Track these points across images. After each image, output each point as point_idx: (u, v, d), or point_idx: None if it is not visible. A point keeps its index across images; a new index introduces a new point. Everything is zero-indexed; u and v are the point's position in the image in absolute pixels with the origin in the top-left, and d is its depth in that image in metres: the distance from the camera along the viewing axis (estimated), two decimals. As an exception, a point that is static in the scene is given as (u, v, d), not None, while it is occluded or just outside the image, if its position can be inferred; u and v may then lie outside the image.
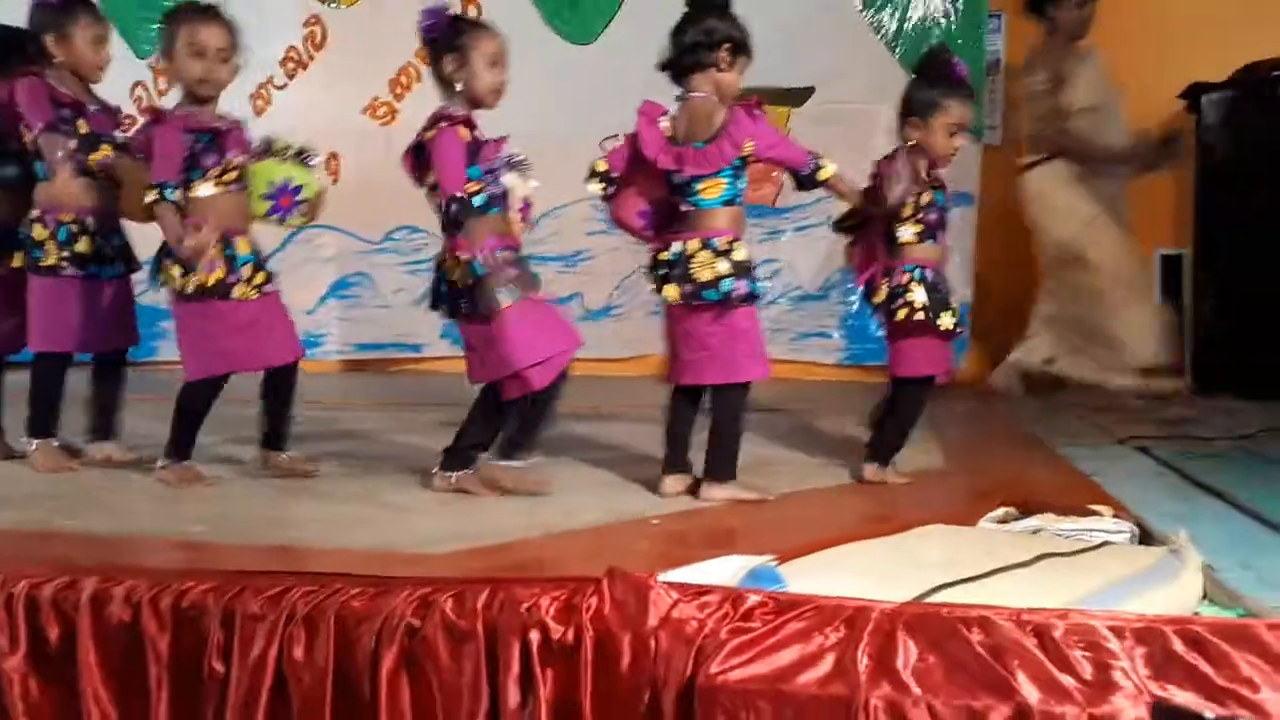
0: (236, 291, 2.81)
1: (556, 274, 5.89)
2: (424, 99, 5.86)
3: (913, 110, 2.93)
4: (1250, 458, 3.16)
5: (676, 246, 2.73)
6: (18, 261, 3.07)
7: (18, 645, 1.94)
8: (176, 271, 2.78)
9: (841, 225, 3.12)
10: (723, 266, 2.68)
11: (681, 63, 2.73)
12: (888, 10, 5.37)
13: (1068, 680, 1.49)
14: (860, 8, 5.37)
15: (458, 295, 2.71)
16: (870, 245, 3.03)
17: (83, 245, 3.05)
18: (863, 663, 1.56)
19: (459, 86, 2.73)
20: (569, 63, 5.71)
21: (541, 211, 6.00)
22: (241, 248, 2.86)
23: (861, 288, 3.06)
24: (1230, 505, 2.56)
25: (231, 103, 5.99)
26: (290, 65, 6.08)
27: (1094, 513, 2.41)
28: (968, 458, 3.26)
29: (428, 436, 3.68)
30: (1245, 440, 3.43)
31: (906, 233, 2.93)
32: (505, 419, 2.78)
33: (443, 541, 2.26)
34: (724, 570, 1.94)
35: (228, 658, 1.85)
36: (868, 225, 3.02)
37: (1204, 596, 1.93)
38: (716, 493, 2.71)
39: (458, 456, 2.79)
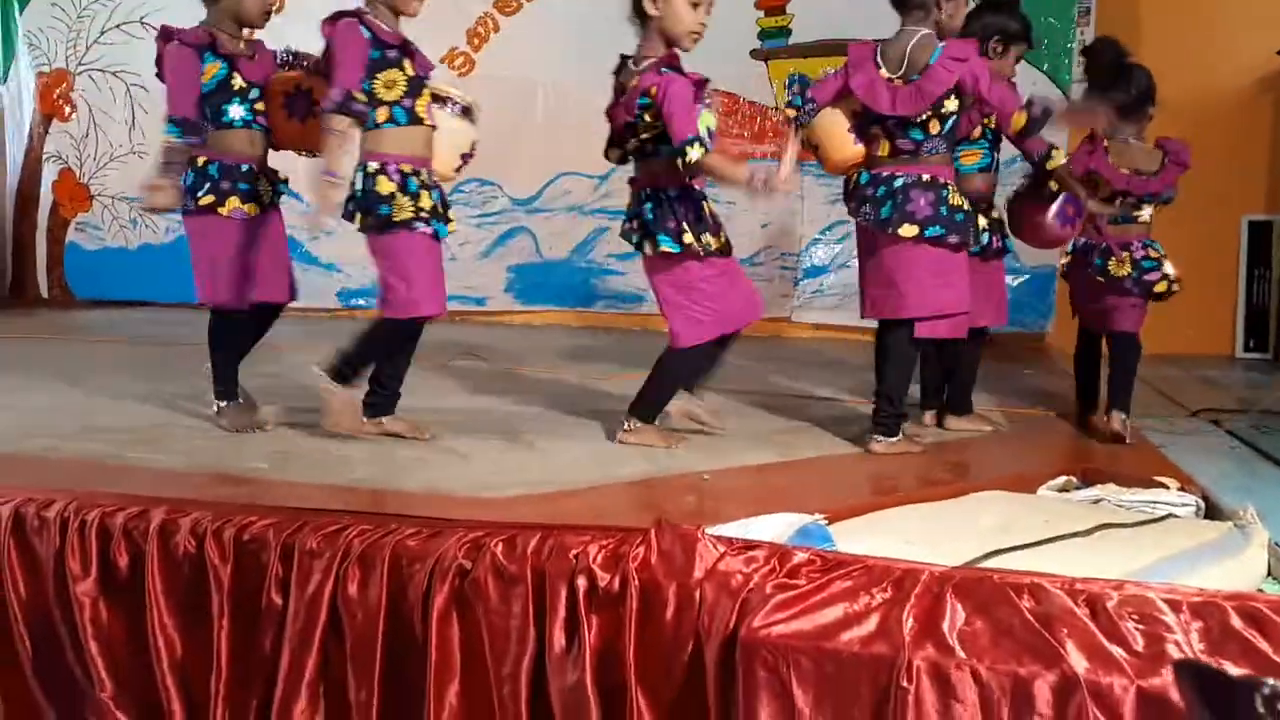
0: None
1: (614, 232, 5.89)
2: (501, 50, 5.96)
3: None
4: (1331, 435, 3.05)
5: None
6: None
7: (89, 570, 2.03)
8: (692, 234, 2.68)
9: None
10: (982, 222, 3.02)
11: None
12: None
13: (1118, 651, 1.46)
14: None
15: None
16: (1069, 218, 3.00)
17: (426, 200, 2.72)
18: (908, 624, 1.55)
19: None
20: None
21: (609, 168, 6.04)
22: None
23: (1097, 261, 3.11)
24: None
25: (311, 50, 6.14)
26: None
27: (1159, 484, 2.35)
28: (1032, 424, 3.19)
29: (479, 386, 3.73)
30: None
31: (1147, 212, 3.13)
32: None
33: (498, 487, 2.29)
34: (773, 527, 1.94)
35: (286, 591, 1.91)
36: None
37: (1269, 574, 1.87)
38: (958, 423, 3.13)
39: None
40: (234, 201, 2.86)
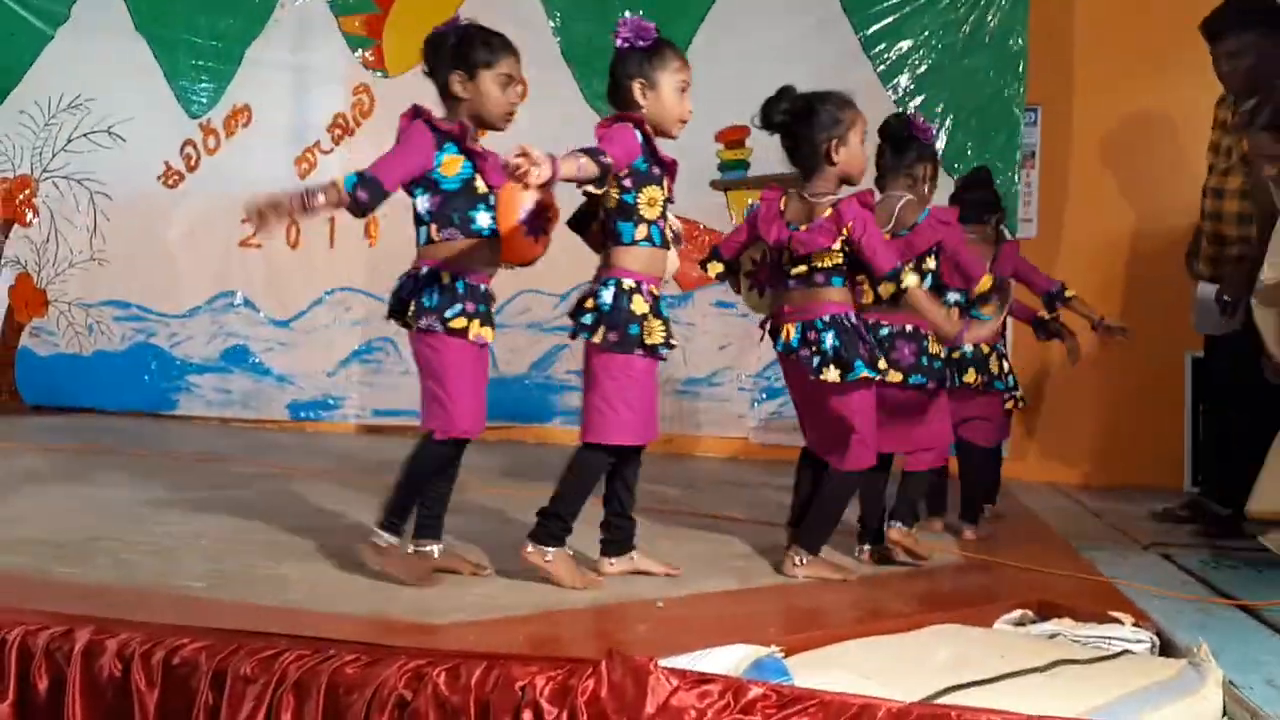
0: None
1: (574, 349, 5.92)
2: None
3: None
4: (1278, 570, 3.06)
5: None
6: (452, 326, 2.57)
7: (6, 694, 1.92)
8: (881, 359, 2.77)
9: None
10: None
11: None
12: (917, 100, 5.44)
13: (1077, 795, 1.42)
14: (893, 98, 5.46)
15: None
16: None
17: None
18: (864, 764, 1.50)
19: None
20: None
21: (575, 283, 6.13)
22: None
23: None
24: (1257, 619, 2.47)
25: (278, 165, 6.24)
26: (337, 131, 6.24)
27: (1114, 620, 2.33)
28: (987, 555, 3.18)
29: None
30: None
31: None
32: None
33: (442, 613, 2.21)
34: (728, 659, 1.89)
35: (215, 719, 1.81)
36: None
37: (1224, 713, 1.85)
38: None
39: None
40: (477, 325, 2.59)
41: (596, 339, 2.57)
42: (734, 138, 5.74)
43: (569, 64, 5.97)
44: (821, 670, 1.88)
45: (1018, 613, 2.43)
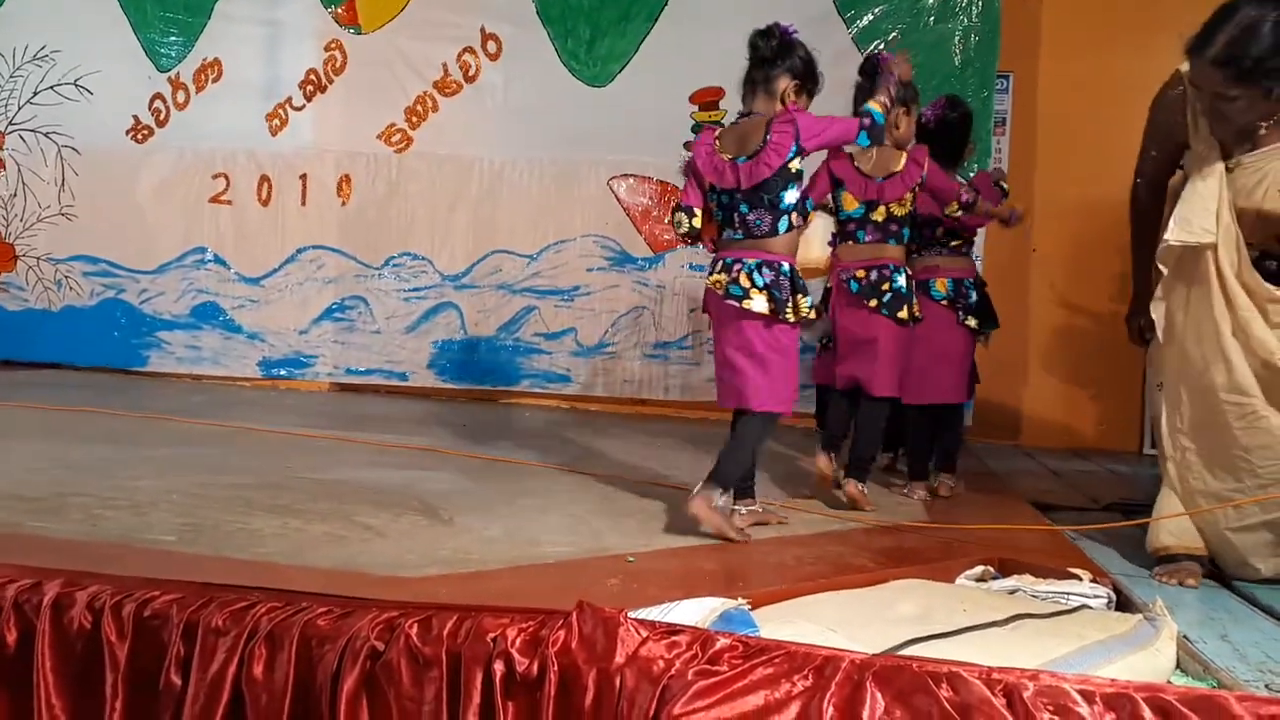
0: None
1: (553, 308, 5.92)
2: (439, 129, 6.03)
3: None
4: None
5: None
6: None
7: (-26, 646, 1.91)
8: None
9: None
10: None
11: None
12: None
13: (1033, 742, 1.46)
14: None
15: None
16: None
17: None
18: (828, 713, 1.54)
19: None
20: (583, 103, 5.77)
21: (546, 244, 6.14)
22: None
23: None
24: (1212, 577, 2.54)
25: (248, 121, 6.14)
26: (309, 88, 6.15)
27: (1073, 575, 2.39)
28: (949, 513, 3.24)
29: (397, 461, 3.67)
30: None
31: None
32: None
33: (414, 566, 2.23)
34: (696, 611, 1.92)
35: (186, 671, 1.82)
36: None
37: (1177, 666, 1.91)
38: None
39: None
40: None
41: (903, 315, 3.17)
42: (709, 99, 5.71)
43: (544, 23, 5.91)
44: (787, 622, 1.92)
45: (979, 568, 2.48)
